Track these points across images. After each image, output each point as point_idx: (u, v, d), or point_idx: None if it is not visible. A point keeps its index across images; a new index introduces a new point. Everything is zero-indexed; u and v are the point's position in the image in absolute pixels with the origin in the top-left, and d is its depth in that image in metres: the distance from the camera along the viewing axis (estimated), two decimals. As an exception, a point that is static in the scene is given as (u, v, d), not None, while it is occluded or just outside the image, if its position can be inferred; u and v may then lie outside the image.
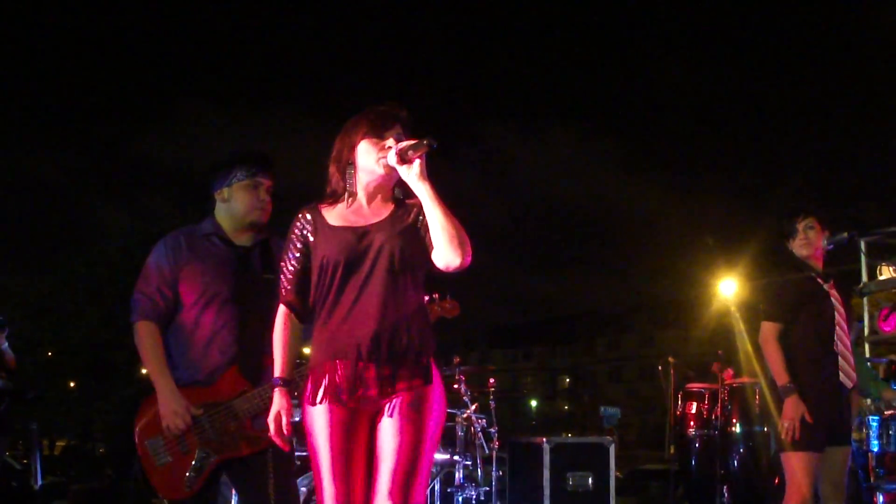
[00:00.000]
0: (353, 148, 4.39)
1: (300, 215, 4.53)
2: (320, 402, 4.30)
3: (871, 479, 10.04)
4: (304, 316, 4.55)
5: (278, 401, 4.45)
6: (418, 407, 4.25)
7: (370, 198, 4.43)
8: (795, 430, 6.44)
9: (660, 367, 13.13)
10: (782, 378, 6.58)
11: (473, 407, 10.14)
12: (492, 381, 10.95)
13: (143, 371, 5.52)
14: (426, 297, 4.72)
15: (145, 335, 5.52)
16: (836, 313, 6.71)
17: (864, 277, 12.27)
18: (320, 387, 4.31)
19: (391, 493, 4.14)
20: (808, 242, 6.80)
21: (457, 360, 10.27)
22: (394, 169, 4.26)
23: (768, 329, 6.71)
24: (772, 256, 7.15)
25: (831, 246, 6.86)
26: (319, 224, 4.45)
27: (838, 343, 6.67)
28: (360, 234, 4.31)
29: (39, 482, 12.88)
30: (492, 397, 10.64)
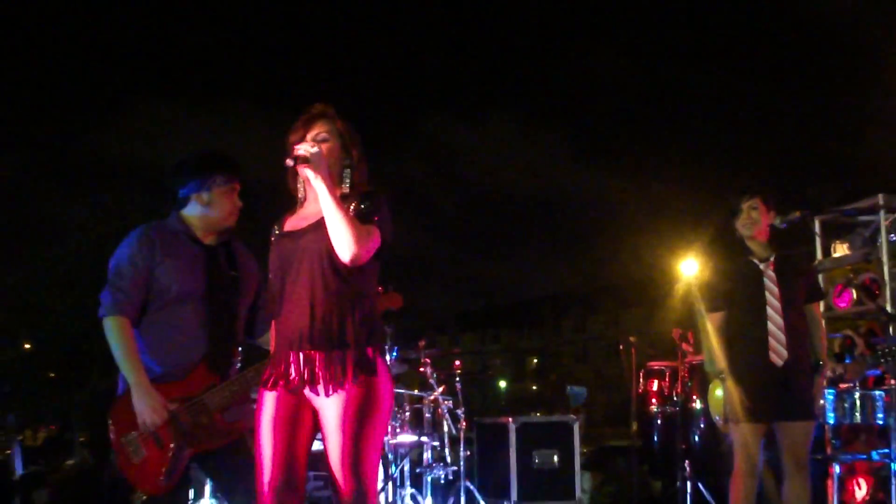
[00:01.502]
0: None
1: (271, 233, 4.74)
2: (268, 389, 4.48)
3: (828, 451, 10.14)
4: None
5: None
6: (360, 398, 4.33)
7: (315, 198, 4.48)
8: (735, 408, 6.52)
9: (621, 347, 13.21)
10: (721, 363, 6.66)
11: (440, 389, 10.17)
12: (457, 363, 10.99)
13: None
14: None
15: (117, 330, 5.42)
16: (768, 293, 6.75)
17: (819, 255, 12.37)
18: (269, 374, 4.50)
19: (341, 478, 4.31)
20: (752, 222, 6.83)
21: (422, 343, 10.30)
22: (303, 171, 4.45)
23: (711, 319, 6.78)
24: (719, 239, 7.20)
25: (784, 225, 6.91)
26: (275, 235, 4.69)
27: (768, 321, 6.72)
28: (297, 237, 4.49)
29: (19, 472, 12.90)
30: (458, 379, 10.67)
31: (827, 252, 12.24)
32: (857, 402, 9.56)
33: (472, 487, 10.18)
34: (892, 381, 9.43)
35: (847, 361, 9.38)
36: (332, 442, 4.34)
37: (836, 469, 10.53)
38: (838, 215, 11.96)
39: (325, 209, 4.27)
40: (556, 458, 11.40)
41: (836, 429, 10.18)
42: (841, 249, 12.09)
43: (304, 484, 4.52)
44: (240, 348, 5.79)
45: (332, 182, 4.37)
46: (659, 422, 11.59)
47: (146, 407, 5.21)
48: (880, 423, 9.73)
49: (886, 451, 9.68)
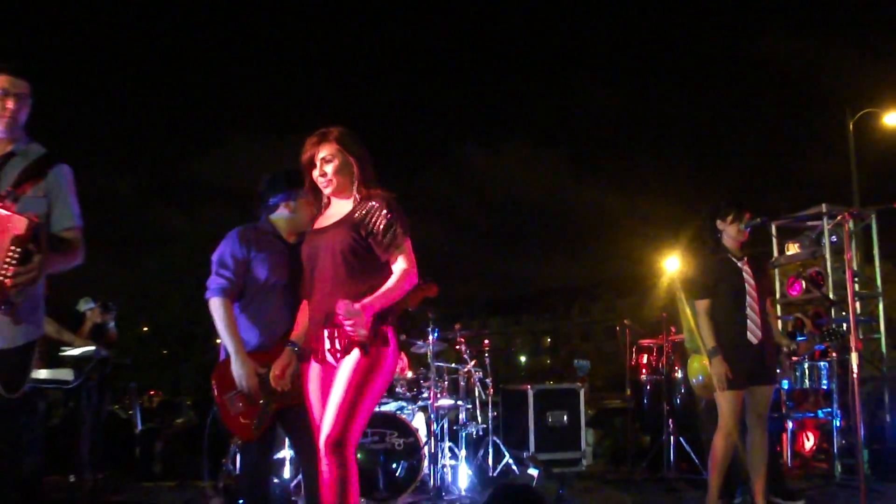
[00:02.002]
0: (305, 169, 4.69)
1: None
2: (305, 361, 4.62)
3: (783, 410, 10.12)
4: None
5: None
6: (365, 363, 4.33)
7: (333, 201, 4.64)
8: (721, 379, 6.49)
9: (617, 329, 13.21)
10: (710, 342, 6.62)
11: (472, 363, 10.17)
12: (486, 342, 10.99)
13: (218, 341, 5.54)
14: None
15: (221, 309, 5.54)
16: (746, 285, 6.74)
17: (775, 253, 12.34)
18: (305, 349, 4.60)
19: (332, 421, 4.27)
20: (739, 232, 6.84)
21: (457, 326, 10.30)
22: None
23: (701, 305, 6.73)
24: (696, 240, 7.16)
25: (748, 228, 6.88)
26: (307, 234, 4.79)
27: (748, 308, 6.70)
28: (322, 233, 4.54)
29: (139, 427, 13.00)
30: (486, 354, 10.66)
31: (781, 251, 12.35)
32: (807, 371, 9.57)
33: (498, 441, 10.17)
34: (834, 354, 9.45)
35: (798, 339, 9.33)
36: (334, 393, 4.33)
37: (790, 425, 10.56)
38: (790, 221, 12.00)
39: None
40: (565, 417, 11.42)
41: (789, 393, 10.17)
42: (792, 248, 12.17)
43: None
44: None
45: (338, 197, 4.67)
46: (648, 388, 11.52)
47: (242, 371, 5.35)
48: (825, 387, 9.76)
49: (829, 410, 9.70)
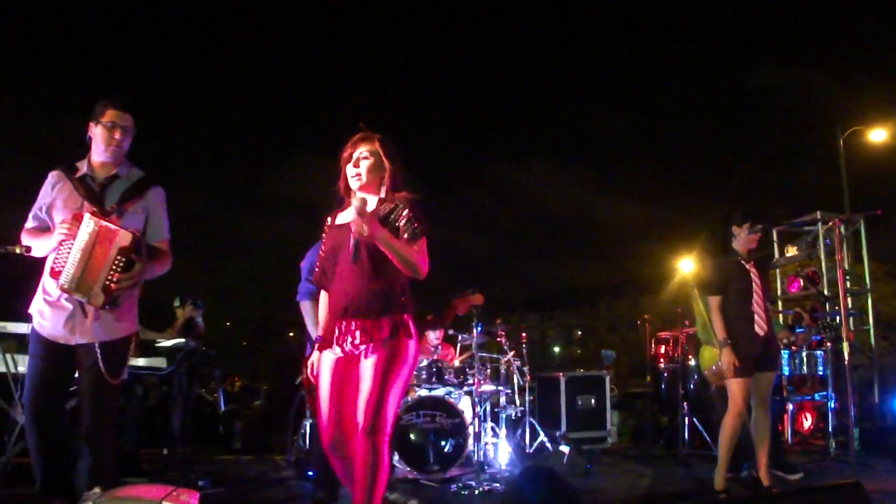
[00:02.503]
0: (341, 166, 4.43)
1: (325, 223, 4.58)
2: (322, 350, 4.31)
3: (784, 394, 10.09)
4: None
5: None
6: (389, 355, 4.11)
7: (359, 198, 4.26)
8: (731, 367, 6.48)
9: (639, 322, 13.22)
10: (722, 334, 6.60)
11: (512, 353, 10.18)
12: (524, 334, 10.98)
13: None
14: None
15: (310, 310, 5.91)
16: (753, 284, 6.72)
17: (777, 255, 12.32)
18: (323, 339, 4.33)
19: (364, 411, 4.04)
20: (750, 238, 6.84)
21: (498, 320, 10.28)
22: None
23: (713, 301, 6.71)
24: (710, 243, 7.14)
25: (757, 234, 6.87)
26: (328, 226, 4.49)
27: (754, 304, 6.69)
28: (346, 229, 4.22)
29: (223, 409, 13.16)
30: (524, 346, 10.67)
31: (781, 253, 12.37)
32: (805, 359, 9.52)
33: (534, 422, 10.19)
34: (829, 344, 9.41)
35: (797, 331, 9.31)
36: (364, 385, 4.10)
37: (790, 407, 10.52)
38: (789, 226, 11.99)
39: (388, 251, 4.09)
40: (593, 401, 11.43)
41: (790, 378, 10.13)
42: (791, 251, 12.21)
43: (353, 415, 4.20)
44: None
45: (366, 191, 4.34)
46: (665, 375, 11.50)
47: None
48: (821, 374, 9.72)
49: (825, 393, 9.65)
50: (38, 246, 4.73)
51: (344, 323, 4.20)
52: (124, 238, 4.61)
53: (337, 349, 4.23)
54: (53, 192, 4.83)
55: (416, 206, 4.29)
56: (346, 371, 4.23)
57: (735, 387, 6.56)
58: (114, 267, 4.58)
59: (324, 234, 4.51)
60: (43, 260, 4.82)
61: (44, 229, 4.81)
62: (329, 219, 4.53)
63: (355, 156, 4.37)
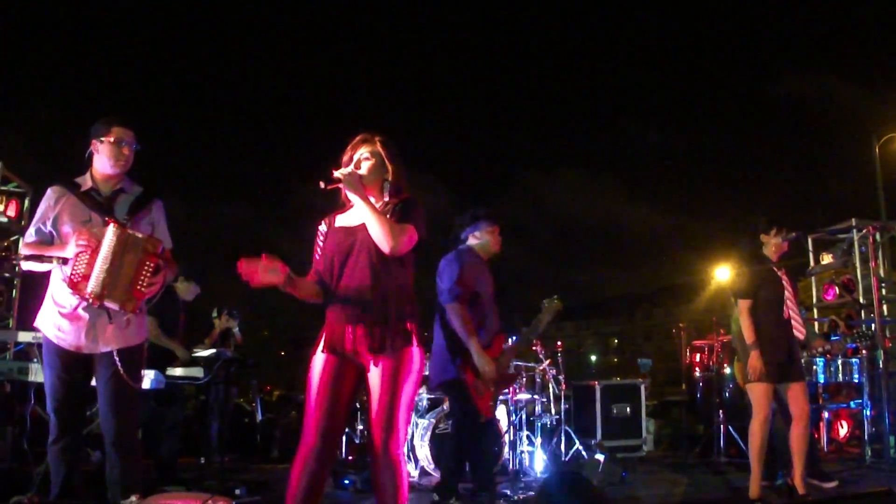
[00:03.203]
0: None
1: (319, 224, 4.40)
2: (323, 352, 4.10)
3: (820, 402, 10.03)
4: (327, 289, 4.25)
5: None
6: (395, 365, 3.98)
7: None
8: (756, 371, 6.46)
9: (673, 331, 13.21)
10: (750, 338, 6.58)
11: (547, 362, 10.18)
12: (559, 343, 10.97)
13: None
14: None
15: (458, 312, 6.27)
16: (785, 291, 6.71)
17: (812, 263, 12.28)
18: (326, 340, 4.11)
19: (376, 425, 3.92)
20: (779, 245, 6.84)
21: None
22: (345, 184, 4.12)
23: (743, 304, 6.70)
24: (743, 251, 7.13)
25: (786, 241, 6.86)
26: (329, 228, 4.31)
27: (787, 310, 6.67)
28: (353, 232, 4.14)
29: (260, 418, 13.24)
30: (559, 354, 10.65)
31: (817, 260, 12.32)
32: (840, 367, 9.49)
33: (569, 430, 10.17)
34: (864, 352, 9.36)
35: (833, 339, 9.27)
36: (374, 398, 3.96)
37: (826, 415, 10.45)
38: (824, 234, 11.97)
39: (363, 215, 4.04)
40: (628, 409, 11.40)
41: (825, 386, 10.08)
42: (826, 258, 12.16)
43: (342, 425, 4.20)
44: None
45: (367, 194, 4.11)
46: (701, 383, 11.49)
47: (485, 364, 6.18)
48: (857, 381, 9.67)
49: (860, 401, 9.60)
50: (41, 258, 4.84)
51: (348, 328, 4.06)
52: (153, 245, 4.83)
53: (338, 353, 4.08)
54: (57, 207, 4.96)
55: (414, 203, 4.20)
56: (342, 372, 4.09)
57: (757, 392, 6.54)
58: (144, 272, 4.78)
59: (321, 236, 4.34)
60: (44, 273, 5.00)
61: (47, 243, 4.93)
62: (325, 221, 4.38)
63: (356, 157, 4.28)
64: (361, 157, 4.27)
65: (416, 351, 4.08)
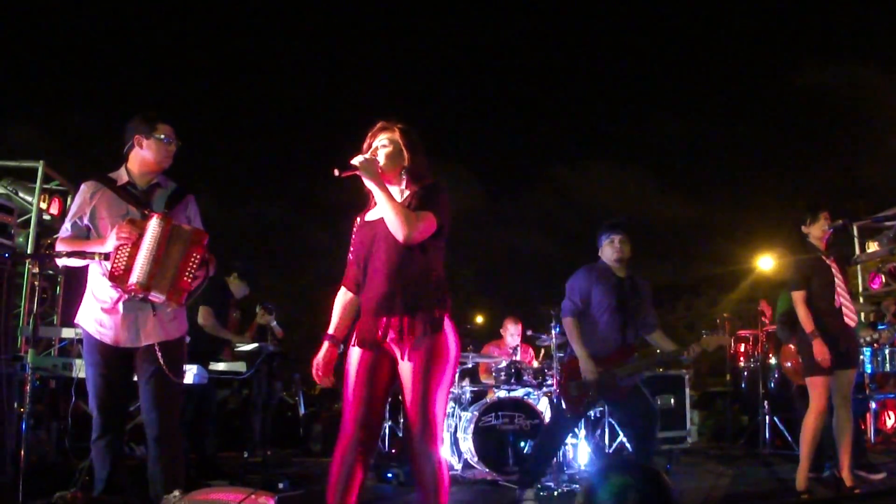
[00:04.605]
0: None
1: (353, 222, 4.35)
2: (356, 345, 4.07)
3: (867, 392, 9.91)
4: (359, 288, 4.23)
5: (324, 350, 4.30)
6: (427, 355, 3.89)
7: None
8: (826, 359, 6.37)
9: (717, 321, 13.09)
10: (809, 327, 6.50)
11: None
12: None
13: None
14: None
15: (572, 326, 6.82)
16: (835, 279, 6.62)
17: (857, 251, 12.14)
18: (357, 334, 4.09)
19: (411, 417, 3.87)
20: (822, 233, 6.75)
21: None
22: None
23: (797, 296, 6.62)
24: (791, 240, 7.05)
25: (831, 230, 6.77)
26: (357, 224, 4.27)
27: (839, 298, 6.58)
28: (374, 226, 4.09)
29: (303, 411, 13.29)
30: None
31: (863, 248, 12.20)
32: (888, 356, 9.35)
33: (613, 422, 10.12)
34: (912, 341, 9.25)
35: (880, 328, 9.14)
36: (406, 390, 3.92)
37: (873, 405, 10.33)
38: (869, 222, 11.82)
39: (378, 202, 3.99)
40: (672, 400, 11.29)
41: (872, 376, 9.96)
42: (872, 246, 12.07)
43: (381, 416, 4.11)
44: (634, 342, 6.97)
45: (383, 181, 4.02)
46: (745, 373, 11.42)
47: (587, 369, 6.63)
48: (904, 371, 9.56)
49: (909, 391, 9.49)
50: (82, 255, 4.82)
51: (375, 320, 4.01)
52: (199, 236, 4.87)
53: (369, 346, 4.04)
54: (93, 201, 4.96)
55: (436, 189, 4.13)
56: (377, 365, 4.05)
57: (816, 384, 6.46)
58: (192, 264, 4.81)
59: (353, 233, 4.30)
60: (82, 271, 5.06)
61: (83, 237, 4.93)
62: (357, 218, 4.34)
63: (375, 145, 4.23)
64: (380, 144, 4.22)
65: (449, 338, 4.00)
